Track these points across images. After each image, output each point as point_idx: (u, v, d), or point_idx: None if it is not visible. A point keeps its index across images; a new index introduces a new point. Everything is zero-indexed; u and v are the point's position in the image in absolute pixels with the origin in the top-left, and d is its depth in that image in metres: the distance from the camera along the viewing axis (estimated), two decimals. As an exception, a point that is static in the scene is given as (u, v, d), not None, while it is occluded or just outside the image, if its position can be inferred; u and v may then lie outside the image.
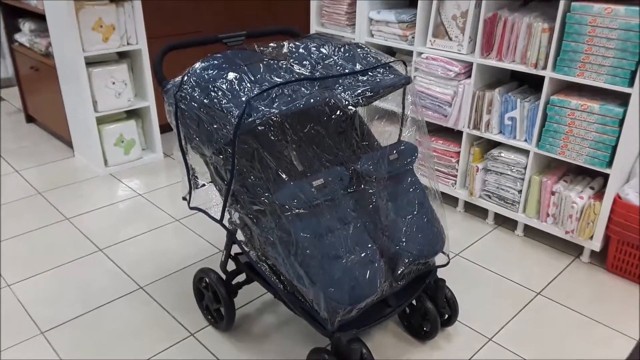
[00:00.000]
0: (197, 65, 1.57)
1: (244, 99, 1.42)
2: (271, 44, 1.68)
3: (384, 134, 1.91)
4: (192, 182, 1.75)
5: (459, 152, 2.59)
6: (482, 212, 2.66)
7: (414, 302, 1.85)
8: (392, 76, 1.70)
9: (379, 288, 1.55)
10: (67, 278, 2.20)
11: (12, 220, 2.61)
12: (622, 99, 2.06)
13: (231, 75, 1.48)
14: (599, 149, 2.12)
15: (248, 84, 1.45)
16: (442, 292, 1.82)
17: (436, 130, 2.73)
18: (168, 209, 2.74)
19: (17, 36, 3.55)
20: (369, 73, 1.66)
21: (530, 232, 2.51)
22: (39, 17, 3.19)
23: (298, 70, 1.58)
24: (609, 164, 2.12)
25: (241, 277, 1.89)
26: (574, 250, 2.39)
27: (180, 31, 3.36)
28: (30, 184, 2.98)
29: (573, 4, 2.04)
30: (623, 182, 2.19)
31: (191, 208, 1.72)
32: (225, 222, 1.65)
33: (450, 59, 2.47)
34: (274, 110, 1.40)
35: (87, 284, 2.17)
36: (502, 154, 2.43)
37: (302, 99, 1.45)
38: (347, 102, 1.53)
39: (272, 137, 1.44)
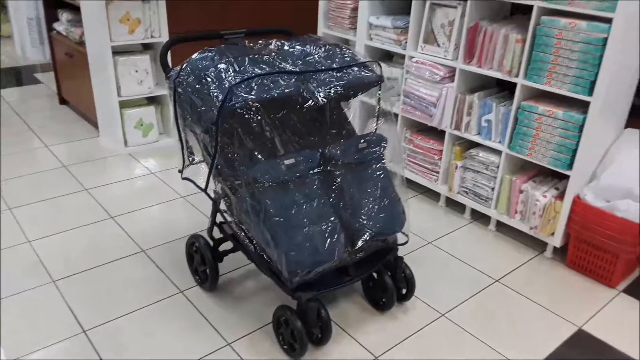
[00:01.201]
0: (195, 56, 1.84)
1: (227, 85, 1.68)
2: (260, 41, 1.94)
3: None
4: (188, 157, 2.03)
5: (441, 150, 2.80)
6: (460, 208, 2.87)
7: (375, 275, 2.08)
8: (365, 74, 1.94)
9: (337, 256, 1.79)
10: (80, 239, 2.51)
11: (38, 188, 2.94)
12: (585, 107, 2.24)
13: (220, 66, 1.75)
14: (561, 151, 2.31)
15: (232, 74, 1.71)
16: (400, 268, 2.05)
17: (423, 129, 2.95)
18: (177, 187, 3.03)
19: (56, 25, 3.90)
20: (344, 71, 1.90)
21: (502, 228, 2.70)
22: (75, 9, 3.53)
23: (279, 65, 1.83)
24: (570, 166, 2.31)
25: (228, 246, 2.15)
26: (540, 246, 2.57)
27: (200, 26, 3.65)
28: (57, 158, 3.31)
29: (543, 17, 2.24)
30: (584, 183, 2.37)
31: (183, 178, 1.99)
32: (211, 192, 1.92)
33: (436, 64, 2.69)
34: (251, 96, 1.66)
35: (96, 244, 2.47)
36: (480, 154, 2.64)
37: (277, 89, 1.71)
38: (318, 95, 1.78)
39: (247, 120, 1.69)
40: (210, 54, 1.82)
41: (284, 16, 4.08)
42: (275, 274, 1.81)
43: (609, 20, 2.06)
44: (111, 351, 1.88)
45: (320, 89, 1.79)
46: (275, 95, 1.69)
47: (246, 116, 1.70)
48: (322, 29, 3.30)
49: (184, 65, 1.83)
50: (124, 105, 3.35)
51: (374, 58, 3.08)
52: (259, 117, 1.72)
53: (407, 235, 2.04)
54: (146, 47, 3.41)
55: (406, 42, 2.83)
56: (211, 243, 2.12)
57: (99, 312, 2.05)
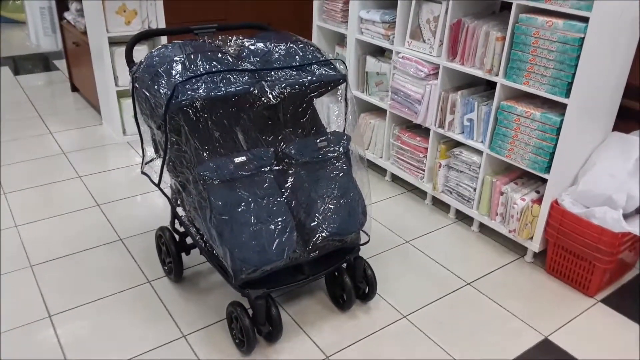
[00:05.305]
0: (153, 51, 1.86)
1: (174, 82, 1.69)
2: (220, 37, 1.94)
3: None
4: (155, 152, 2.06)
5: (427, 148, 2.75)
6: (446, 207, 2.81)
7: (336, 274, 2.07)
8: (326, 73, 1.92)
9: (286, 255, 1.79)
10: (64, 225, 2.59)
11: (34, 174, 3.04)
12: (564, 109, 2.15)
13: (173, 62, 1.76)
14: (539, 154, 2.23)
15: (182, 71, 1.72)
16: (359, 269, 2.03)
17: (412, 126, 2.90)
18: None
19: (66, 14, 4.01)
20: (303, 69, 1.88)
21: (486, 229, 2.64)
22: (81, -1, 3.61)
23: (236, 62, 1.83)
24: (548, 169, 2.23)
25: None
26: (522, 250, 2.50)
27: (199, 17, 3.68)
28: (58, 145, 3.42)
29: (520, 15, 2.15)
30: (564, 188, 2.28)
31: (142, 173, 2.03)
32: (167, 188, 1.95)
33: (421, 60, 2.63)
34: (198, 94, 1.67)
35: (78, 231, 2.54)
36: (463, 153, 2.58)
37: (226, 87, 1.71)
38: (270, 93, 1.76)
39: (194, 117, 1.70)
40: (166, 49, 1.83)
41: (283, 8, 4.06)
42: (224, 271, 1.83)
43: (586, 20, 1.96)
44: (70, 337, 1.94)
45: (274, 88, 1.78)
46: (222, 93, 1.69)
47: (193, 113, 1.70)
48: (316, 22, 3.27)
49: (142, 60, 1.85)
50: (121, 94, 3.42)
51: (366, 52, 3.06)
52: (207, 115, 1.72)
53: (368, 235, 2.02)
54: (146, 38, 3.45)
55: (394, 37, 2.77)
56: (176, 236, 2.15)
57: (67, 299, 2.12)
